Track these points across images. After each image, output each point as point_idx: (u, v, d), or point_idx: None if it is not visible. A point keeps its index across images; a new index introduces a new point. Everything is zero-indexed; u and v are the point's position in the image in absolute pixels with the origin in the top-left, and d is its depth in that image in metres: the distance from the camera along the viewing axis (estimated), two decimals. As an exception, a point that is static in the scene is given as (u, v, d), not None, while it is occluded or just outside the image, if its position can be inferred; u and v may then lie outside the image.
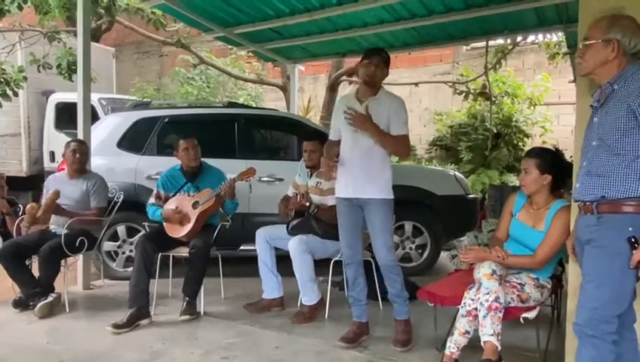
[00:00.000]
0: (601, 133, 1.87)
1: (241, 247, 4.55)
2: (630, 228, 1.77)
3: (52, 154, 7.31)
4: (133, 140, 4.73)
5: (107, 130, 4.83)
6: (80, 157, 3.90)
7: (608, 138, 1.84)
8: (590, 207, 1.90)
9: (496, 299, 2.43)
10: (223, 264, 3.91)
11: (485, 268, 2.51)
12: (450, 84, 8.21)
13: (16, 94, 6.31)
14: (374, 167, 2.93)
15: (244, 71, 9.33)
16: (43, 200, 3.80)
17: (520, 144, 8.01)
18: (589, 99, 2.00)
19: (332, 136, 3.15)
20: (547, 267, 2.67)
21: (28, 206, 3.72)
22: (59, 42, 6.67)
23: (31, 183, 7.55)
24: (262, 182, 4.54)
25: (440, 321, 2.97)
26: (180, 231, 3.63)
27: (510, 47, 7.28)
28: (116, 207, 4.08)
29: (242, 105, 6.21)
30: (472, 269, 2.63)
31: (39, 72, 6.51)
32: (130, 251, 4.50)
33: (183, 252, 3.61)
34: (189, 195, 3.74)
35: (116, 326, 3.24)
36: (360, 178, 2.93)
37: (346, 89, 8.17)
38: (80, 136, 4.18)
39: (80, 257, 4.11)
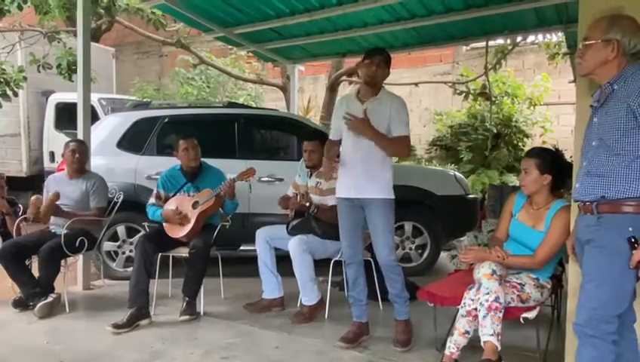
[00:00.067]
0: (601, 133, 1.87)
1: (241, 247, 4.55)
2: (630, 228, 1.77)
3: (52, 155, 7.31)
4: (133, 140, 4.73)
5: (107, 130, 4.83)
6: (79, 158, 3.89)
7: (608, 138, 1.84)
8: (590, 207, 1.90)
9: (496, 299, 2.43)
10: (222, 264, 3.91)
11: (485, 268, 2.51)
12: (450, 84, 8.22)
13: (16, 94, 6.31)
14: (375, 167, 2.93)
15: (244, 71, 9.34)
16: (43, 201, 3.80)
17: (520, 144, 8.02)
18: (589, 99, 2.00)
19: (332, 136, 3.15)
20: (547, 267, 2.67)
21: (33, 197, 3.72)
22: (59, 42, 6.67)
23: (31, 183, 7.55)
24: (262, 182, 4.54)
25: (440, 321, 2.96)
26: (179, 232, 3.63)
27: (510, 47, 7.28)
28: (116, 207, 4.07)
29: (242, 106, 6.21)
30: (472, 269, 2.63)
31: (39, 72, 6.52)
32: (130, 251, 4.49)
33: (183, 252, 3.61)
34: (188, 195, 3.74)
35: (116, 326, 3.24)
36: (361, 178, 2.93)
37: (346, 89, 8.19)
38: (80, 136, 4.18)
39: (80, 257, 4.11)
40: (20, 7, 5.90)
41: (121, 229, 4.54)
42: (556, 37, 6.99)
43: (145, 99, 7.80)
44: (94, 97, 6.35)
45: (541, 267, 2.63)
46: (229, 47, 6.88)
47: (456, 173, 5.48)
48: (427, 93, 9.44)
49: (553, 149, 2.87)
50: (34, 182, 7.49)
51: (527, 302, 2.60)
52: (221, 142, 4.80)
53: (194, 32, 7.21)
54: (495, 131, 7.80)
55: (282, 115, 5.61)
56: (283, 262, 3.72)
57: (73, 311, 3.66)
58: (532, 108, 8.22)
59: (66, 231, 3.63)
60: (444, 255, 5.05)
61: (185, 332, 3.29)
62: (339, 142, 3.06)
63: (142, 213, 3.95)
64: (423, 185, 4.80)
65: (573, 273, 2.24)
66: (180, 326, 3.39)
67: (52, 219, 3.79)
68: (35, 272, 3.63)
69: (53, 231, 3.81)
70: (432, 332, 3.03)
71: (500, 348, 2.42)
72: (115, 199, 4.09)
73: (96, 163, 4.32)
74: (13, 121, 7.88)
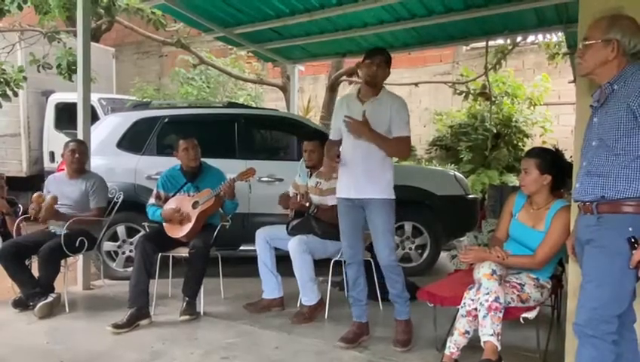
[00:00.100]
0: (601, 133, 1.87)
1: (241, 247, 4.55)
2: (630, 228, 1.77)
3: (52, 155, 7.31)
4: (132, 140, 4.73)
5: (107, 130, 4.83)
6: (79, 157, 3.89)
7: (608, 138, 1.84)
8: (590, 207, 1.90)
9: (496, 299, 2.43)
10: (222, 264, 3.91)
11: (485, 269, 2.51)
12: (450, 84, 8.22)
13: (16, 94, 6.31)
14: (376, 167, 2.93)
15: (244, 71, 9.34)
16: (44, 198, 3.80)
17: (520, 144, 8.02)
18: (589, 99, 2.00)
19: (332, 136, 3.15)
20: (547, 267, 2.67)
21: (35, 195, 3.71)
22: (59, 42, 6.67)
23: (31, 183, 7.53)
24: (262, 182, 4.54)
25: (440, 321, 2.96)
26: (179, 232, 3.63)
27: (510, 47, 7.28)
28: (116, 208, 4.07)
29: (242, 106, 6.21)
30: (472, 269, 2.63)
31: (39, 72, 6.51)
32: (130, 251, 4.49)
33: (183, 252, 3.61)
34: (188, 195, 3.74)
35: (116, 326, 3.24)
36: (361, 178, 2.93)
37: (346, 89, 8.19)
38: (80, 137, 4.18)
39: (80, 257, 4.11)
40: (19, 7, 5.90)
41: (121, 229, 4.54)
42: (556, 37, 6.99)
43: (145, 99, 7.81)
44: (94, 97, 6.35)
45: (541, 267, 2.63)
46: (229, 47, 6.88)
47: (456, 173, 5.48)
48: (427, 93, 9.44)
49: (553, 149, 2.88)
50: (34, 182, 7.49)
51: (527, 302, 2.60)
52: (221, 142, 4.80)
53: (194, 32, 7.21)
54: (495, 131, 7.80)
55: (282, 115, 5.61)
56: (283, 262, 3.72)
57: (73, 311, 3.66)
58: (532, 108, 8.22)
59: (65, 231, 3.63)
60: (444, 255, 5.05)
61: (185, 332, 3.29)
62: (339, 142, 3.06)
63: (142, 213, 3.95)
64: (423, 185, 4.80)
65: (573, 273, 2.25)
66: (180, 326, 3.39)
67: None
68: (35, 272, 3.63)
69: (53, 231, 3.81)
70: (432, 332, 3.03)
71: (499, 348, 2.42)
72: (115, 199, 4.09)
73: (96, 163, 4.32)
74: (13, 121, 7.88)
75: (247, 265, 4.21)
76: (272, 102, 9.69)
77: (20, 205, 4.21)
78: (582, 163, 1.98)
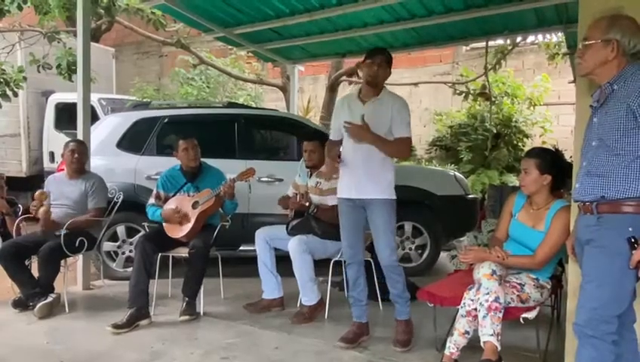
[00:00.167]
0: (601, 134, 1.87)
1: (241, 248, 4.55)
2: (630, 228, 1.77)
3: (52, 155, 7.30)
4: (132, 140, 4.73)
5: (107, 130, 4.83)
6: (78, 158, 3.89)
7: (608, 138, 1.84)
8: (590, 207, 1.90)
9: (496, 299, 2.43)
10: (222, 264, 3.91)
11: (485, 269, 2.51)
12: (450, 84, 8.22)
13: (15, 94, 6.31)
14: (377, 167, 2.93)
15: (243, 71, 9.34)
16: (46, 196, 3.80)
17: (520, 144, 8.02)
18: (589, 99, 2.00)
19: (333, 136, 3.15)
20: (547, 267, 2.67)
21: (37, 192, 3.72)
22: (59, 42, 6.66)
23: (31, 183, 7.52)
24: (261, 182, 4.54)
25: (440, 322, 2.96)
26: (179, 232, 3.63)
27: (510, 47, 7.28)
28: (116, 208, 4.07)
29: (242, 106, 6.21)
30: (472, 269, 2.63)
31: (39, 72, 6.51)
32: (130, 251, 4.49)
33: (183, 252, 3.61)
34: (188, 195, 3.74)
35: (116, 326, 3.24)
36: (363, 179, 2.93)
37: (345, 89, 8.18)
38: (80, 137, 4.18)
39: (80, 257, 4.11)
40: (19, 8, 5.90)
41: (120, 229, 4.54)
42: (556, 37, 6.99)
43: (145, 100, 7.80)
44: (94, 97, 6.34)
45: (541, 267, 2.63)
46: (229, 47, 6.87)
47: (456, 173, 5.48)
48: (427, 93, 9.44)
49: (553, 149, 2.88)
50: (34, 182, 7.47)
51: (527, 302, 2.60)
52: (221, 143, 4.80)
53: (194, 32, 7.21)
54: (495, 131, 7.80)
55: (282, 115, 5.61)
56: (283, 262, 3.72)
57: (73, 311, 3.66)
58: (532, 108, 8.23)
59: (65, 232, 3.63)
60: (444, 255, 5.05)
61: (185, 332, 3.29)
62: (340, 142, 3.06)
63: (142, 213, 3.95)
64: (422, 186, 4.80)
65: (573, 273, 2.25)
66: (180, 326, 3.39)
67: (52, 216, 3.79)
68: (35, 272, 3.63)
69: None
70: (432, 333, 3.03)
71: (499, 348, 2.42)
72: (114, 199, 4.09)
73: (96, 163, 4.33)
74: (13, 121, 7.87)
75: (247, 265, 4.21)
76: (272, 102, 9.68)
77: (19, 205, 4.21)
78: (582, 163, 1.98)
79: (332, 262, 3.60)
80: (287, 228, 3.68)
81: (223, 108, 5.30)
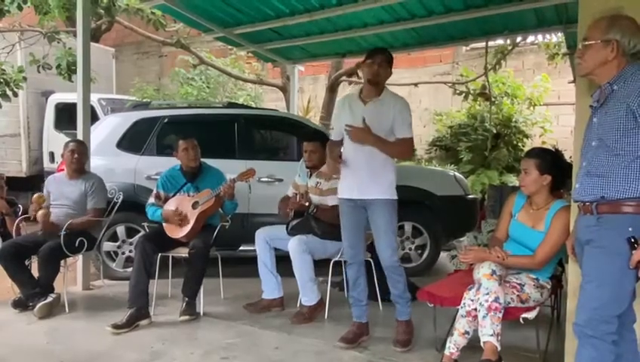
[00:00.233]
0: (601, 134, 1.87)
1: (241, 248, 4.55)
2: (630, 229, 1.77)
3: (52, 155, 7.31)
4: (132, 140, 4.73)
5: (107, 130, 4.83)
6: (78, 158, 3.89)
7: (608, 138, 1.84)
8: (590, 207, 1.90)
9: (496, 300, 2.43)
10: (222, 264, 3.91)
11: (485, 269, 2.51)
12: (449, 84, 8.22)
13: (15, 95, 6.30)
14: (378, 168, 2.93)
15: (243, 71, 9.34)
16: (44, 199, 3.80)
17: (520, 144, 8.02)
18: (589, 99, 2.00)
19: (334, 137, 3.15)
20: (547, 267, 2.67)
21: (35, 195, 3.72)
22: (58, 42, 6.66)
23: (31, 184, 7.53)
24: (261, 182, 4.54)
25: (439, 322, 2.96)
26: (179, 232, 3.63)
27: (510, 47, 7.28)
28: (116, 208, 4.07)
29: (242, 106, 6.21)
30: (472, 270, 2.63)
31: (39, 72, 6.51)
32: (130, 251, 4.49)
33: (183, 252, 3.61)
34: (188, 196, 3.74)
35: (116, 326, 3.24)
36: (365, 179, 2.93)
37: (345, 89, 8.19)
38: (79, 137, 4.18)
39: (79, 257, 4.11)
40: (19, 8, 5.90)
41: (120, 229, 4.53)
42: (556, 37, 7.00)
43: (145, 100, 7.80)
44: (94, 97, 6.34)
45: (541, 267, 2.63)
46: (229, 47, 6.88)
47: (456, 174, 5.48)
48: (427, 93, 9.44)
49: (553, 150, 2.88)
50: (34, 182, 7.49)
51: (527, 302, 2.60)
52: (221, 143, 4.80)
53: (194, 33, 7.21)
54: (495, 131, 7.80)
55: (282, 116, 5.61)
56: (283, 262, 3.72)
57: (73, 311, 3.66)
58: (532, 108, 8.23)
59: (65, 232, 3.63)
60: (443, 255, 5.05)
61: (185, 332, 3.29)
62: (341, 143, 3.06)
63: (142, 214, 3.95)
64: (422, 186, 4.80)
65: (572, 273, 2.25)
66: (180, 326, 3.39)
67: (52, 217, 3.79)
68: (35, 272, 3.63)
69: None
70: (432, 333, 3.03)
71: (499, 348, 2.42)
72: (114, 199, 4.09)
73: (95, 163, 4.32)
74: (13, 122, 7.88)
75: (247, 266, 4.21)
76: (271, 102, 9.68)
77: (19, 205, 4.21)
78: (582, 163, 1.98)
79: (332, 262, 3.60)
80: (287, 228, 3.68)
81: (223, 108, 5.30)
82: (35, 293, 3.54)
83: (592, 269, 1.88)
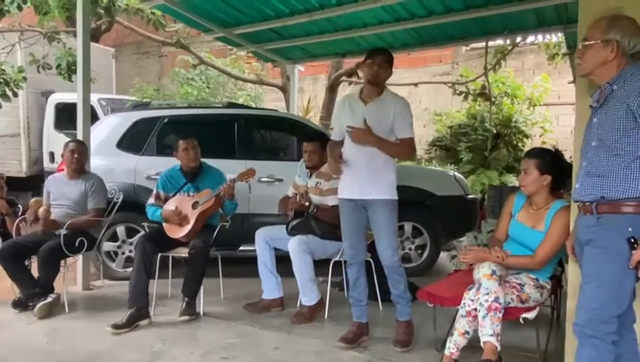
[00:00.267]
0: (601, 134, 1.87)
1: (241, 248, 4.55)
2: (630, 229, 1.77)
3: (52, 155, 7.30)
4: (132, 141, 4.73)
5: (107, 130, 4.83)
6: (78, 158, 3.89)
7: (608, 138, 1.84)
8: (590, 207, 1.90)
9: (496, 300, 2.43)
10: (222, 264, 3.92)
11: (485, 269, 2.51)
12: (449, 84, 8.21)
13: (15, 95, 6.30)
14: (379, 168, 2.93)
15: (243, 71, 9.33)
16: (42, 203, 3.81)
17: (519, 144, 8.02)
18: (589, 99, 2.01)
19: (335, 137, 3.15)
20: (547, 267, 2.67)
21: (32, 200, 3.73)
22: (58, 42, 6.66)
23: (30, 184, 7.54)
24: (261, 182, 4.54)
25: (439, 322, 2.96)
26: (179, 232, 3.63)
27: (510, 47, 7.27)
28: (116, 208, 4.07)
29: (242, 106, 6.21)
30: (472, 270, 2.64)
31: (39, 72, 6.51)
32: (130, 251, 4.49)
33: (183, 252, 3.61)
34: (188, 196, 3.74)
35: (116, 326, 3.24)
36: (365, 179, 2.93)
37: (345, 89, 8.18)
38: (79, 137, 4.18)
39: (79, 257, 4.11)
40: (19, 8, 5.89)
41: (120, 229, 4.53)
42: (556, 37, 6.99)
43: (145, 100, 7.80)
44: (94, 97, 6.34)
45: (541, 267, 2.63)
46: (229, 47, 6.87)
47: (456, 174, 5.48)
48: (427, 93, 9.43)
49: (553, 150, 2.88)
50: (34, 182, 7.49)
51: (527, 302, 2.60)
52: (221, 143, 4.81)
53: (194, 33, 7.20)
54: (495, 132, 7.80)
55: (282, 116, 5.61)
56: (283, 262, 3.72)
57: (73, 311, 3.66)
58: (532, 108, 8.22)
59: (65, 232, 3.63)
60: (443, 255, 5.05)
61: (185, 332, 3.29)
62: (341, 143, 3.06)
63: (142, 214, 3.95)
64: (422, 186, 4.80)
65: (572, 273, 2.25)
66: (180, 326, 3.39)
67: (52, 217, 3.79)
68: (35, 272, 3.63)
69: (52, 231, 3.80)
70: (432, 333, 3.03)
71: (499, 348, 2.42)
72: (114, 199, 4.09)
73: (95, 163, 4.33)
74: (13, 122, 7.88)
75: (247, 266, 4.21)
76: (271, 102, 9.68)
77: (19, 205, 4.22)
78: (581, 163, 1.98)
79: (332, 262, 3.60)
80: (287, 228, 3.68)
81: (223, 108, 5.30)
82: (35, 293, 3.54)
83: (592, 269, 1.88)
